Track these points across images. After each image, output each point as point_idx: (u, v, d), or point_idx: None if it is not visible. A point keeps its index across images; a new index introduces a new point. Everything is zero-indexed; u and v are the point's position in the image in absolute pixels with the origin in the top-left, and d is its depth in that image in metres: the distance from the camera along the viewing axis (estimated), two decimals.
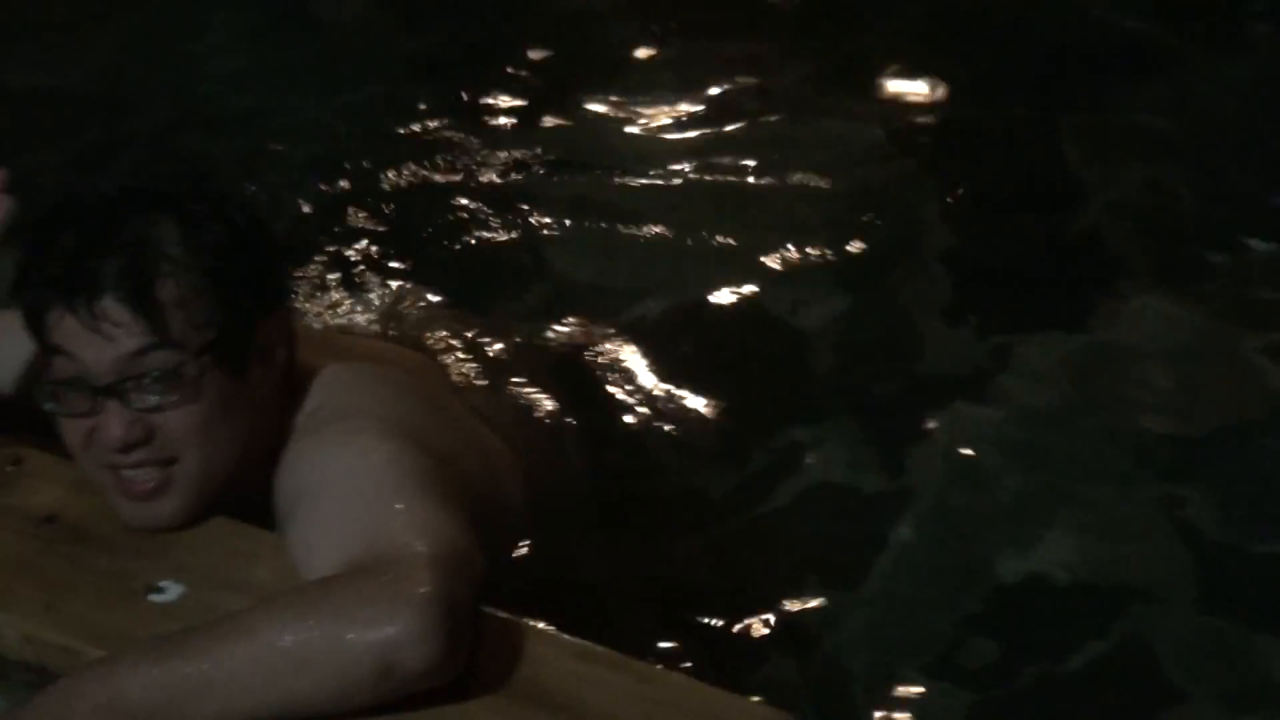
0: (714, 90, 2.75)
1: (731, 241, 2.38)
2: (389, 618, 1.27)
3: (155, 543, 1.48)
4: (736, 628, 1.84)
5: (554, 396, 1.94)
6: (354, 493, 1.40)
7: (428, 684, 1.30)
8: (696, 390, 2.08)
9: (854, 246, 2.39)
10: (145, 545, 1.48)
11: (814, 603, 1.84)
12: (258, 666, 1.28)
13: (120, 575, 1.46)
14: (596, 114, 2.70)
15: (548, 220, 2.38)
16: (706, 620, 1.83)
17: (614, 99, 2.73)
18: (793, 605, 1.84)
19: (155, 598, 1.44)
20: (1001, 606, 1.87)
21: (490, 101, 2.75)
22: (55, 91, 2.62)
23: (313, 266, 2.10)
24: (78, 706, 1.28)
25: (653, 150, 2.58)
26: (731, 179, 2.53)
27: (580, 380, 2.05)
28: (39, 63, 2.72)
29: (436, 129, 2.58)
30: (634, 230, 2.38)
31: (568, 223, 2.38)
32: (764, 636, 1.81)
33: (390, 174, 2.47)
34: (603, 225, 2.39)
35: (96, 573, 1.46)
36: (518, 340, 2.02)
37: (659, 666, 1.45)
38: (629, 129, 2.64)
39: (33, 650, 1.42)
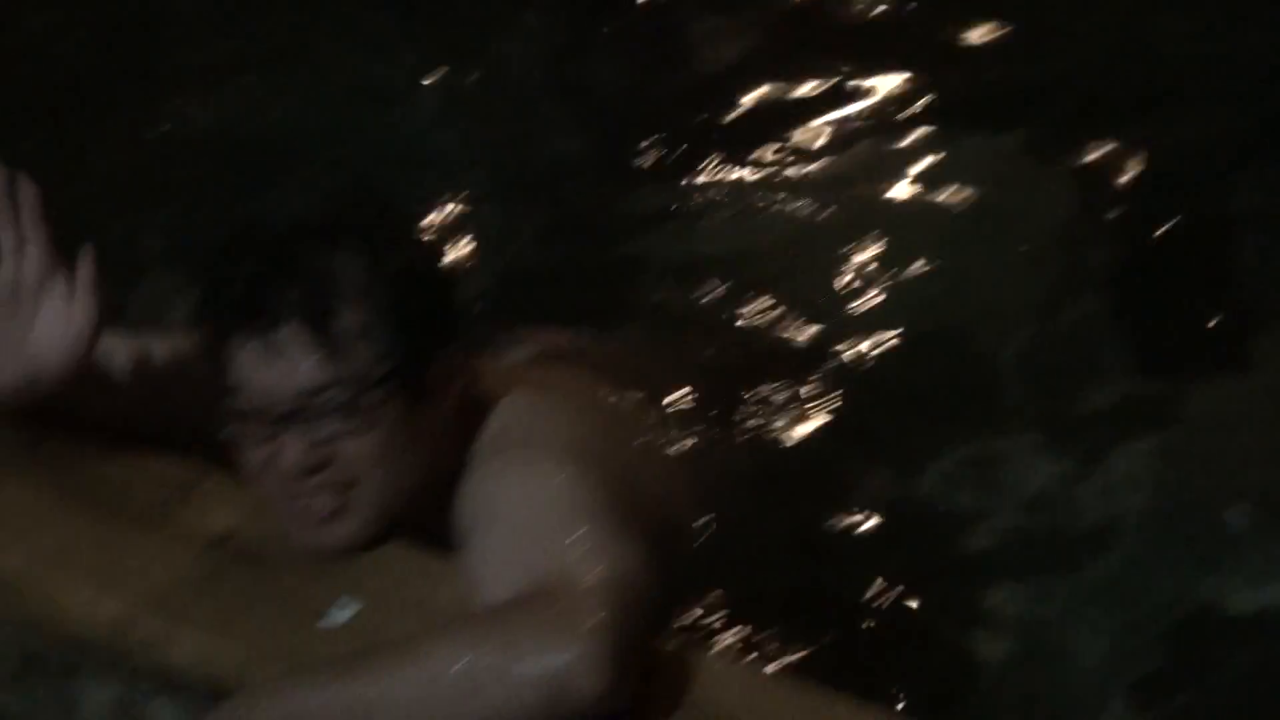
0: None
1: (895, 270, 2.35)
2: (561, 646, 1.26)
3: (332, 564, 1.49)
4: (919, 660, 1.82)
5: (723, 416, 1.94)
6: (531, 518, 1.40)
7: (598, 712, 1.28)
8: (880, 414, 2.07)
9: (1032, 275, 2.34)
10: (322, 567, 1.48)
11: (997, 639, 1.81)
12: (429, 693, 1.29)
13: (297, 595, 1.46)
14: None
15: (717, 250, 2.38)
16: (888, 652, 1.81)
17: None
18: (979, 638, 1.82)
19: (330, 619, 1.44)
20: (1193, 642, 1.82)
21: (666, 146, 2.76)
22: (231, 129, 2.68)
23: (487, 294, 2.10)
24: None
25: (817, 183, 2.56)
26: (892, 210, 2.51)
27: (750, 403, 2.04)
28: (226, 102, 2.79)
29: (601, 170, 2.58)
30: (810, 260, 2.37)
31: (737, 254, 2.37)
32: (947, 669, 1.79)
33: (552, 210, 2.48)
34: (778, 257, 2.38)
35: (273, 592, 1.47)
36: (690, 366, 2.03)
37: (832, 695, 1.43)
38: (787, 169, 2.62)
39: (207, 670, 1.43)
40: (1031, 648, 1.83)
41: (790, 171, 2.63)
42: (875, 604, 1.84)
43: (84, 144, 2.56)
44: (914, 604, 1.84)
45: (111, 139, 2.61)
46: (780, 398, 2.05)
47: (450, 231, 2.31)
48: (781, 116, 2.75)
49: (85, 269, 1.51)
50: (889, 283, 2.34)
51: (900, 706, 1.66)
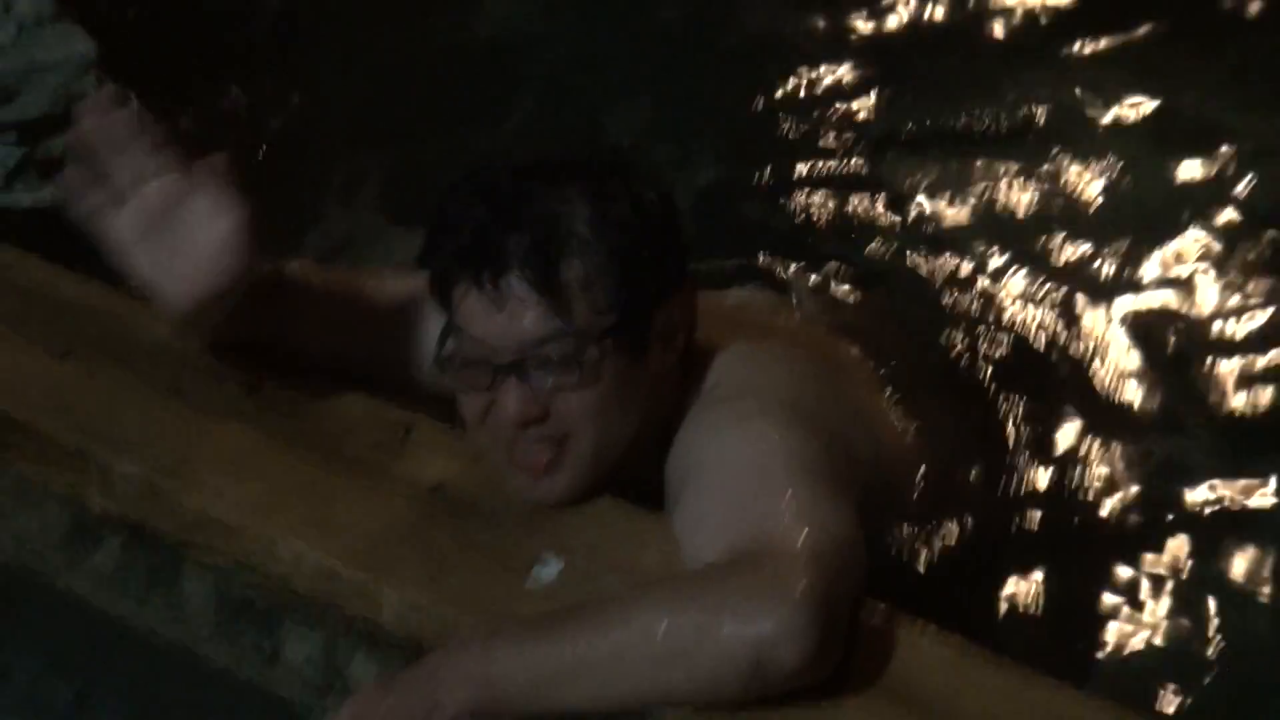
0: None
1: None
2: (765, 613, 1.24)
3: (541, 518, 1.47)
4: (1126, 644, 1.75)
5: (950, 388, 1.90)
6: (742, 479, 1.36)
7: (800, 682, 1.26)
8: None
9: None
10: (530, 520, 1.47)
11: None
12: (632, 655, 1.27)
13: (503, 550, 1.44)
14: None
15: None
16: (1097, 634, 1.75)
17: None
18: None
19: (537, 575, 1.41)
20: None
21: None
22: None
23: (714, 247, 2.10)
24: (447, 677, 1.29)
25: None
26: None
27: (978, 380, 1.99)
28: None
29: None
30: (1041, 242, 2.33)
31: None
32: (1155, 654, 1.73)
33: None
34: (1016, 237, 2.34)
35: (480, 546, 1.45)
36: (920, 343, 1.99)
37: (1031, 675, 1.38)
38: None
39: (415, 619, 1.42)
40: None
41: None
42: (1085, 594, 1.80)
43: (305, 83, 2.57)
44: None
45: (326, 78, 2.63)
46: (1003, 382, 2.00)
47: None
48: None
49: (219, 169, 1.50)
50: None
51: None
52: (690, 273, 1.49)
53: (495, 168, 1.47)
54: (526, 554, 1.44)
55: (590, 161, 1.49)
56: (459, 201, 1.45)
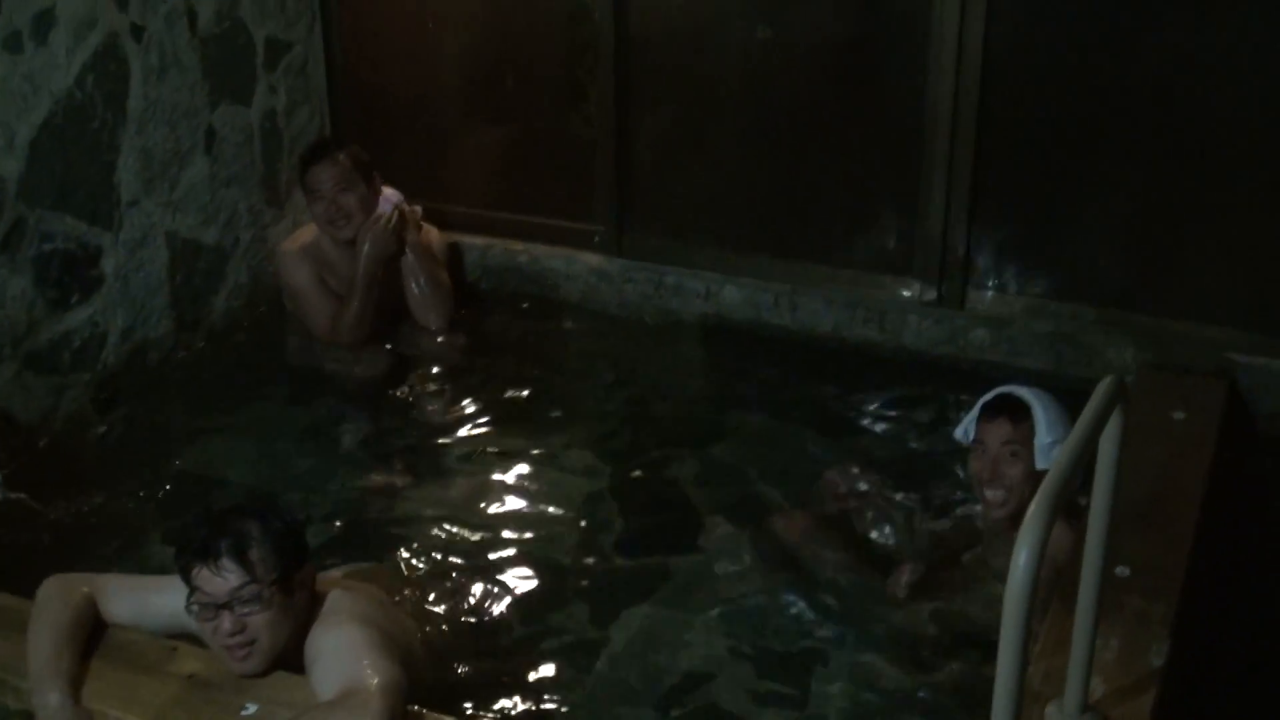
0: None
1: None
2: (361, 718, 2.60)
3: (245, 683, 2.83)
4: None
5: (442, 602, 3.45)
6: (341, 655, 2.73)
7: None
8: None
9: None
10: (240, 684, 2.83)
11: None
12: None
13: (226, 700, 2.81)
14: None
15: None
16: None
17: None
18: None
19: (244, 713, 2.77)
20: None
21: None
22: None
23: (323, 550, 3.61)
24: None
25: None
26: None
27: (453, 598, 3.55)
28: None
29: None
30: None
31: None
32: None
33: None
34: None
35: (214, 700, 2.81)
36: (422, 582, 3.54)
37: None
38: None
39: None
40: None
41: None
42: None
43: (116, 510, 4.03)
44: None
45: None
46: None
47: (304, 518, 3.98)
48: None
49: None
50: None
51: None
52: (308, 556, 2.95)
53: (209, 512, 2.91)
54: (240, 702, 2.81)
55: (257, 507, 2.92)
56: (192, 529, 2.87)
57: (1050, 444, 3.32)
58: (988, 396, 3.50)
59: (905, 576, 3.48)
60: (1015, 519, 3.20)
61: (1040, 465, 3.33)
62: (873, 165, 4.66)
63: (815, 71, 4.66)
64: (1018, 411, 3.40)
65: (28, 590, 2.99)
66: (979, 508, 3.55)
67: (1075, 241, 4.47)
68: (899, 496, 3.83)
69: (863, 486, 3.88)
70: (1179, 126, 4.23)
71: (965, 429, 3.55)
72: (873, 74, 4.59)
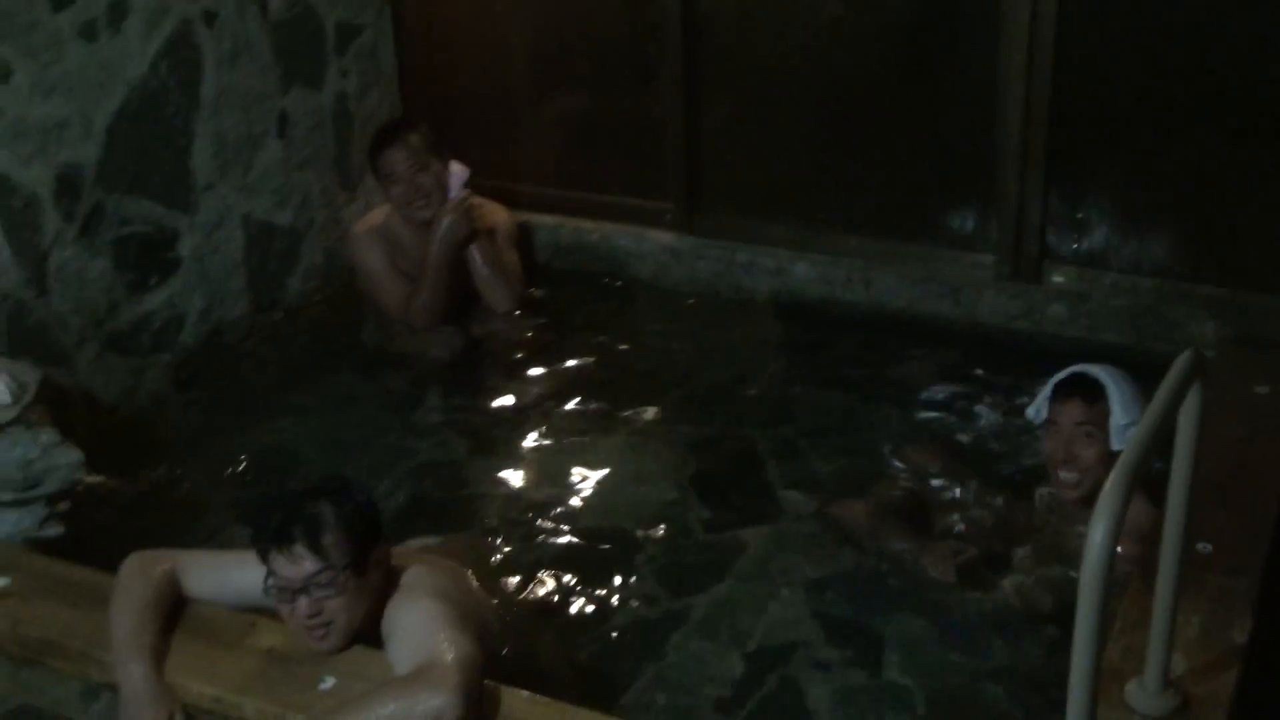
0: None
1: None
2: (439, 695, 2.58)
3: (323, 658, 2.86)
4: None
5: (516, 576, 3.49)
6: (417, 630, 2.74)
7: None
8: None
9: None
10: (317, 659, 2.86)
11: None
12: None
13: (306, 673, 2.84)
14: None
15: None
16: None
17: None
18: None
19: (322, 685, 2.81)
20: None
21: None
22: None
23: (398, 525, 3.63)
24: None
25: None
26: None
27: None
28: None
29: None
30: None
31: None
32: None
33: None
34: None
35: (293, 674, 2.86)
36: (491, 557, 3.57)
37: (575, 707, 2.77)
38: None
39: (271, 713, 2.81)
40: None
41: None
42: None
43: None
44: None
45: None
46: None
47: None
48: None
49: None
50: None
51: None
52: (383, 534, 2.97)
53: (285, 492, 2.94)
54: (318, 675, 2.84)
55: (331, 486, 2.92)
56: (266, 511, 2.88)
57: (1125, 425, 3.27)
58: (1061, 375, 3.45)
59: (953, 560, 3.43)
60: (1089, 500, 3.14)
61: (1115, 446, 3.27)
62: (945, 140, 4.61)
63: (886, 47, 4.63)
64: (1092, 391, 3.35)
65: (111, 567, 3.04)
66: (1048, 490, 3.50)
67: (1152, 214, 4.41)
68: (971, 476, 3.79)
69: (935, 465, 3.84)
70: (1262, 97, 4.14)
71: (1038, 408, 3.50)
72: (944, 49, 4.54)
